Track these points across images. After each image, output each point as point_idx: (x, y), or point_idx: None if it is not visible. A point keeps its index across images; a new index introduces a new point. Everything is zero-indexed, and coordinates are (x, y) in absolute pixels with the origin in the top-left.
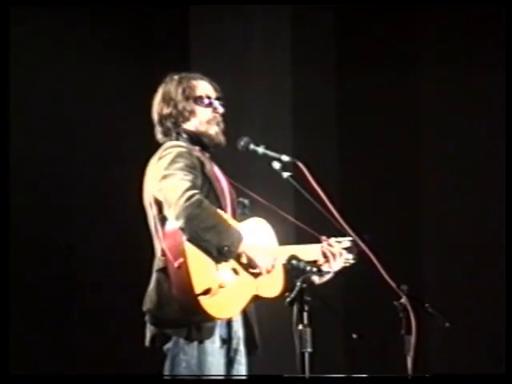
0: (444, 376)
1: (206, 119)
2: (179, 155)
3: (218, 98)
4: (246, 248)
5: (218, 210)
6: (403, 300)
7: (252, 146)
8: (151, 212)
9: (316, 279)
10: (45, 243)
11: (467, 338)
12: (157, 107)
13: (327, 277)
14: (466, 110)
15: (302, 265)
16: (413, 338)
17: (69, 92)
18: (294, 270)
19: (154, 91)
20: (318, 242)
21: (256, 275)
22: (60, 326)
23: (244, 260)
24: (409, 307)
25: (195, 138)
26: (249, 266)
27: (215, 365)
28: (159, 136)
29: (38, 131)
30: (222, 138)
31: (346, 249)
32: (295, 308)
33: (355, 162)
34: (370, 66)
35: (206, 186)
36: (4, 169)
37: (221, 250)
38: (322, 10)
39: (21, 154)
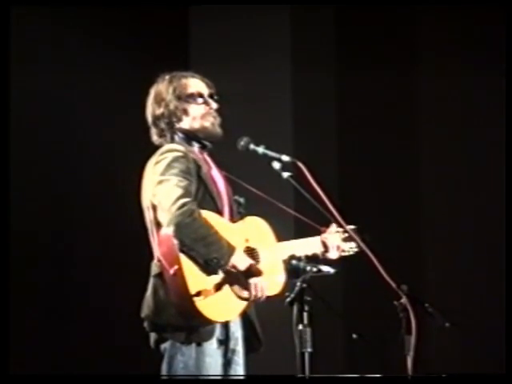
0: (444, 376)
1: (199, 115)
2: (175, 160)
3: (211, 95)
4: (238, 262)
5: (212, 220)
6: (403, 300)
7: (252, 146)
8: (148, 216)
9: (324, 268)
10: (45, 244)
11: (467, 337)
12: (149, 108)
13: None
14: (466, 109)
15: (301, 265)
16: (413, 338)
17: (69, 92)
18: (293, 270)
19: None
20: (318, 235)
21: (243, 299)
22: (60, 326)
23: (234, 274)
24: (409, 307)
25: (191, 136)
26: (239, 280)
27: (213, 365)
28: (154, 137)
29: (37, 131)
30: (218, 130)
31: (346, 238)
32: (295, 308)
33: (355, 162)
34: (370, 66)
35: (202, 189)
36: (4, 170)
37: (209, 261)
38: (321, 10)
39: (20, 155)
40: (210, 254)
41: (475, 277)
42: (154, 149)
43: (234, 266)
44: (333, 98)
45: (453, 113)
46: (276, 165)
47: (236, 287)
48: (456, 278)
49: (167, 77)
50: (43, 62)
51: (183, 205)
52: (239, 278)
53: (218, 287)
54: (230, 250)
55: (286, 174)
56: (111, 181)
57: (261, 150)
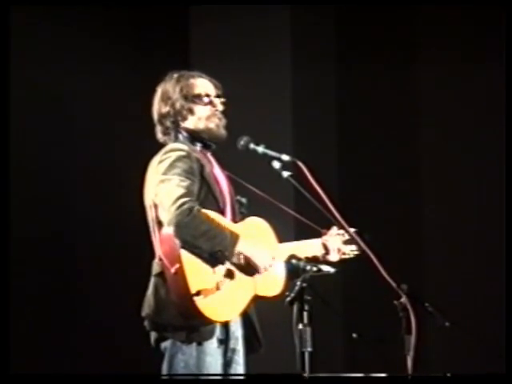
0: (444, 376)
1: (204, 116)
2: (178, 159)
3: (218, 96)
4: (243, 248)
5: (213, 214)
6: (403, 299)
7: (252, 146)
8: (150, 215)
9: (324, 267)
10: (45, 243)
11: (467, 338)
12: (156, 106)
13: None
14: (465, 108)
15: (301, 264)
16: (413, 338)
17: (69, 92)
18: (293, 270)
19: (154, 91)
20: (319, 237)
21: (252, 273)
22: (60, 326)
23: (242, 260)
24: (409, 307)
25: (195, 136)
26: (246, 266)
27: (213, 365)
28: (159, 135)
29: (37, 131)
30: (222, 131)
31: (347, 240)
32: (295, 307)
33: (355, 162)
34: (370, 66)
35: (204, 189)
36: (4, 170)
37: (214, 254)
38: (321, 9)
39: (20, 154)
40: (213, 247)
41: (475, 277)
42: (157, 148)
43: (239, 253)
44: (333, 97)
45: (453, 112)
46: (276, 164)
47: (243, 275)
48: (456, 278)
49: (175, 75)
50: (43, 62)
51: (182, 204)
52: (246, 263)
53: (219, 286)
54: (234, 239)
55: (286, 174)
56: (114, 179)
57: (261, 149)
